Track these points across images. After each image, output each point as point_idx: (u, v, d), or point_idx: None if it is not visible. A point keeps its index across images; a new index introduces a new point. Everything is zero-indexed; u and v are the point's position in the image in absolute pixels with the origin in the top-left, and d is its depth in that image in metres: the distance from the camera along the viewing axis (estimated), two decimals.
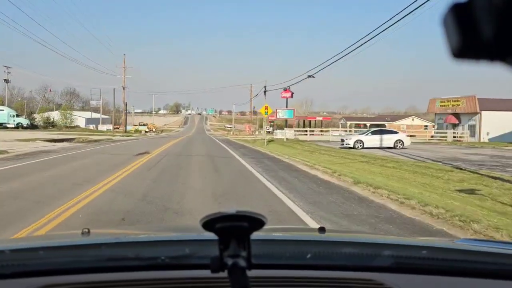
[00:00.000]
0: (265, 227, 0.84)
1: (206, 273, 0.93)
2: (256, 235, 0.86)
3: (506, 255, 1.42)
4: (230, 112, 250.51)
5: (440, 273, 1.26)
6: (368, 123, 75.41)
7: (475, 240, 1.84)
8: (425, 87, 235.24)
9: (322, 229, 1.75)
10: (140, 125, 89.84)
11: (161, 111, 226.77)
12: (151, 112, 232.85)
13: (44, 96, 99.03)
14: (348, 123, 79.85)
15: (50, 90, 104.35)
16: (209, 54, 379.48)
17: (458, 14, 0.40)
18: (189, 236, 1.68)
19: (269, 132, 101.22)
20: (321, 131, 56.65)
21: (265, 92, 46.50)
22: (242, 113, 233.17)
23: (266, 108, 37.85)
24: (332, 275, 1.24)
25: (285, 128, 50.10)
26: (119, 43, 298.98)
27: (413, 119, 75.31)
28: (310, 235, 1.89)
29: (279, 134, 44.72)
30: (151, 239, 1.72)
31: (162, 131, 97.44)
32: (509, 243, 2.05)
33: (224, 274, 0.84)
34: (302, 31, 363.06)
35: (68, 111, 74.18)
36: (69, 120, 72.49)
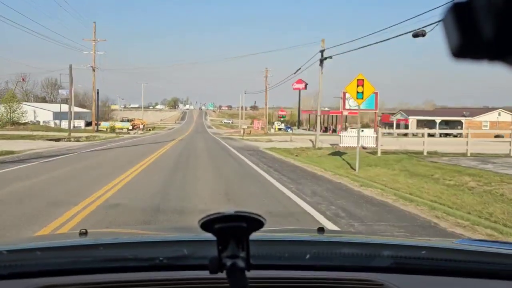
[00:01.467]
0: (264, 227, 0.83)
1: (205, 274, 0.91)
2: (255, 235, 0.84)
3: (506, 255, 1.40)
4: (229, 107, 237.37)
5: (440, 273, 1.25)
6: (437, 119, 51.58)
7: (475, 240, 1.82)
8: (443, 81, 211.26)
9: (321, 230, 1.71)
10: (123, 120, 66.39)
11: (159, 106, 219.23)
12: (148, 107, 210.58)
13: (21, 87, 77.03)
14: (411, 118, 56.22)
15: (24, 79, 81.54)
16: (209, 45, 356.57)
17: (458, 14, 0.39)
18: (188, 236, 1.64)
19: (280, 129, 75.37)
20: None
21: (322, 60, 23.11)
22: (243, 108, 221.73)
23: (361, 82, 12.43)
24: (331, 276, 1.23)
25: (379, 128, 27.24)
26: (112, 34, 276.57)
27: (499, 114, 52.25)
28: (309, 236, 1.84)
29: (349, 140, 21.85)
30: (149, 240, 1.69)
31: (153, 128, 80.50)
32: (509, 243, 2.07)
33: (223, 275, 0.82)
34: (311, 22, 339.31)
35: (15, 103, 50.98)
36: (17, 114, 49.29)
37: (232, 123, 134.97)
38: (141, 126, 68.18)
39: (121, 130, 55.83)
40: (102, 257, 1.27)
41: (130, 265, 1.23)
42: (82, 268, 1.22)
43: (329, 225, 6.54)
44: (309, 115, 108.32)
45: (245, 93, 67.36)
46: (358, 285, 1.20)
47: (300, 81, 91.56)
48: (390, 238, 2.43)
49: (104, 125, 57.60)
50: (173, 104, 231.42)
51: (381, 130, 23.11)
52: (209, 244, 0.93)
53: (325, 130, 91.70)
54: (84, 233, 1.60)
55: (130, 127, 60.37)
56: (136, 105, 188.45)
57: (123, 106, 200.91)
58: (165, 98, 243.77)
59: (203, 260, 0.94)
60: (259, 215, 0.81)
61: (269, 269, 1.21)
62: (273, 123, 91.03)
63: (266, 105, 64.95)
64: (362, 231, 6.29)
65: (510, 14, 0.36)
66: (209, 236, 0.81)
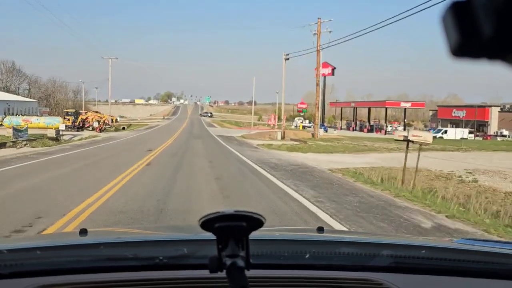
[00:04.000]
0: (264, 227, 0.82)
1: (205, 273, 0.90)
2: (254, 234, 0.83)
3: (505, 255, 1.38)
4: (227, 102, 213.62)
5: (439, 273, 1.24)
6: None
7: (474, 239, 1.79)
8: (468, 74, 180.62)
9: (320, 229, 1.68)
10: (67, 114, 35.70)
11: (151, 101, 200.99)
12: (138, 101, 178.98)
13: None
14: None
15: None
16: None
17: (457, 13, 0.38)
18: (188, 236, 1.61)
19: (305, 127, 57.05)
20: None
21: None
22: (241, 103, 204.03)
23: None
24: (331, 275, 1.22)
25: None
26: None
27: None
28: (309, 235, 1.79)
29: None
30: (149, 239, 1.65)
31: (128, 126, 54.10)
32: (507, 242, 2.04)
33: (223, 274, 0.81)
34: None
35: None
36: None
37: (210, 115, 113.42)
38: (95, 124, 38.53)
39: (40, 133, 24.99)
40: (102, 256, 1.24)
41: (130, 264, 1.20)
42: (82, 267, 1.20)
43: None
44: (341, 108, 75.78)
45: (286, 59, 34.82)
46: (358, 284, 1.19)
47: (326, 65, 61.10)
48: (389, 237, 2.34)
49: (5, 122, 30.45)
50: (167, 99, 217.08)
51: None
52: (209, 244, 0.91)
53: (370, 129, 59.63)
54: (84, 232, 1.57)
55: (63, 127, 29.00)
56: (127, 100, 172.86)
57: (114, 101, 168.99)
58: (159, 92, 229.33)
59: (203, 260, 0.93)
60: (259, 215, 0.79)
61: (268, 269, 1.19)
62: (292, 119, 70.19)
63: (318, 85, 33.80)
64: None
65: (509, 12, 0.36)
66: (209, 235, 0.79)
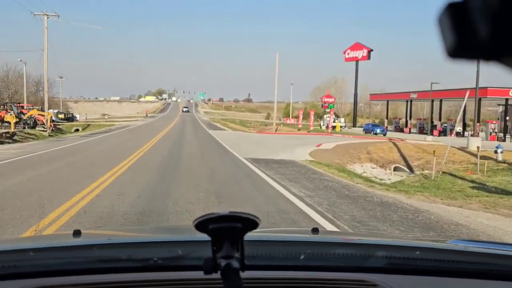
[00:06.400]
0: (259, 228, 0.81)
1: (199, 274, 0.89)
2: (249, 236, 0.82)
3: (498, 256, 1.38)
4: (221, 99, 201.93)
5: (433, 274, 1.24)
6: None
7: (468, 240, 1.80)
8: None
9: (315, 230, 1.64)
10: None
11: (142, 99, 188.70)
12: (130, 99, 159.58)
13: None
14: None
15: None
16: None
17: (453, 14, 0.38)
18: (182, 237, 1.58)
19: (342, 127, 44.28)
20: None
21: None
22: (236, 100, 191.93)
23: None
24: (326, 276, 1.21)
25: None
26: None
27: None
28: (304, 236, 1.78)
29: None
30: (143, 240, 1.61)
31: (86, 126, 40.44)
32: (501, 243, 2.01)
33: (217, 275, 0.80)
34: None
35: None
36: None
37: (187, 110, 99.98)
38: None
39: None
40: (96, 258, 1.22)
41: (124, 266, 1.18)
42: (76, 268, 1.18)
43: None
44: (387, 101, 54.79)
45: None
46: (352, 285, 1.17)
47: (359, 46, 46.28)
48: (384, 238, 2.29)
49: None
50: (158, 96, 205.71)
51: None
52: (204, 245, 0.91)
53: (442, 131, 40.80)
54: (77, 234, 1.52)
55: None
56: (117, 98, 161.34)
57: (103, 98, 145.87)
58: (150, 90, 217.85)
59: (198, 261, 0.91)
60: (254, 216, 0.79)
61: (263, 270, 1.17)
62: (321, 117, 51.02)
63: None
64: None
65: (505, 14, 0.35)
66: (204, 236, 0.78)
